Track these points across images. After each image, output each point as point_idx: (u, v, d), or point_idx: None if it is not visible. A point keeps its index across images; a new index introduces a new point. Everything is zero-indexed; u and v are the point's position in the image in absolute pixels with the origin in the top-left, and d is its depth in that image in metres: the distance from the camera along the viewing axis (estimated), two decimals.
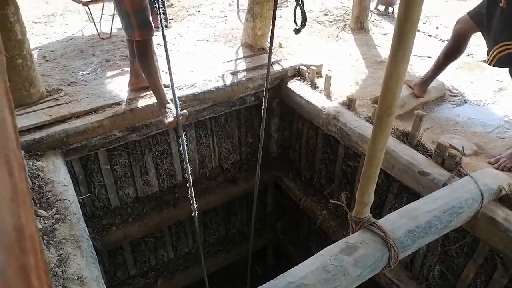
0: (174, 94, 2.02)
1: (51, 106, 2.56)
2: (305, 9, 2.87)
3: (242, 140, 3.59)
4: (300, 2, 2.82)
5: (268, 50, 3.49)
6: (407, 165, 2.26)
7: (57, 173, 2.21)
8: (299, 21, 3.03)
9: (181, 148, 2.17)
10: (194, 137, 3.24)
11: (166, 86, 2.54)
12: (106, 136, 2.61)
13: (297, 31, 3.06)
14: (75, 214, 1.96)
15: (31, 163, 2.20)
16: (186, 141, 3.18)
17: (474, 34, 2.58)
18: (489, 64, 2.25)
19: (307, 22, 3.10)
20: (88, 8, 3.54)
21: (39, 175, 2.12)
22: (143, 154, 3.01)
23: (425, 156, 2.28)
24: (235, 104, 3.14)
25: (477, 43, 3.91)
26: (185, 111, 2.35)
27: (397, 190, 2.50)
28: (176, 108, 2.11)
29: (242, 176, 3.59)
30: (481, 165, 2.27)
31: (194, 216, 2.31)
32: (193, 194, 2.25)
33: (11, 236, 0.38)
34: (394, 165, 2.33)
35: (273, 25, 2.07)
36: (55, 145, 2.38)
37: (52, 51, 3.42)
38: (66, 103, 2.61)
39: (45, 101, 2.60)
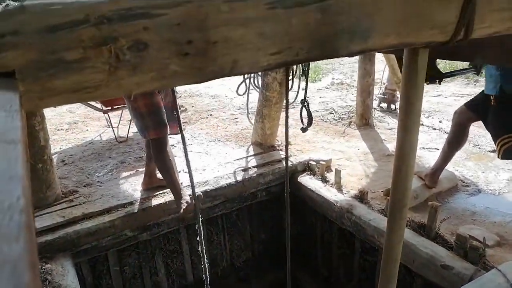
0: (191, 176, 2.06)
1: (65, 208, 2.60)
2: (310, 110, 3.06)
3: (254, 237, 3.51)
4: (305, 103, 3.02)
5: (277, 148, 3.63)
6: (428, 258, 2.16)
7: (65, 276, 2.16)
8: (305, 120, 3.20)
9: (194, 245, 2.13)
10: (205, 235, 3.19)
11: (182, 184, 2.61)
12: (117, 236, 2.59)
13: (304, 130, 3.21)
14: None
15: (40, 266, 2.15)
16: (197, 239, 3.12)
17: (473, 124, 2.68)
18: (498, 157, 2.33)
19: (313, 121, 3.27)
20: (108, 115, 3.80)
21: (47, 279, 2.06)
22: (153, 254, 2.94)
23: (446, 248, 2.19)
24: (246, 200, 3.15)
25: (482, 134, 4.02)
26: (199, 192, 2.38)
27: (420, 286, 2.35)
28: (193, 191, 2.14)
29: (256, 275, 3.43)
30: (506, 256, 2.16)
31: None
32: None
33: None
34: (414, 259, 2.23)
35: (286, 121, 2.18)
36: (66, 247, 2.36)
37: (71, 155, 3.59)
38: (80, 204, 2.65)
39: (60, 203, 2.65)
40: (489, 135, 3.66)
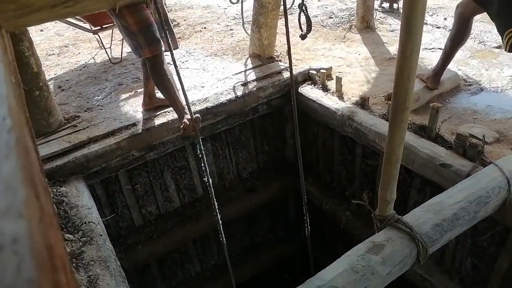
0: (186, 99, 2.02)
1: (70, 133, 2.63)
2: (309, 14, 2.89)
3: (258, 149, 3.60)
4: (303, 8, 2.84)
5: (276, 59, 3.53)
6: (427, 159, 2.22)
7: (81, 197, 2.26)
8: (304, 27, 3.05)
9: (200, 160, 2.20)
10: (211, 150, 3.27)
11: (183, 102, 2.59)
12: (125, 157, 2.66)
13: (303, 37, 3.08)
14: (101, 235, 1.99)
15: (55, 190, 2.25)
16: (204, 154, 3.21)
17: (478, 18, 2.54)
18: (505, 50, 2.23)
19: (312, 27, 3.12)
20: (98, 36, 3.63)
21: (63, 201, 2.17)
22: (162, 171, 3.04)
23: (446, 148, 2.24)
24: (248, 114, 3.16)
25: (488, 30, 3.85)
26: (198, 115, 2.38)
27: (419, 185, 2.46)
28: (190, 112, 2.14)
29: (262, 185, 3.59)
30: (504, 152, 2.21)
31: (219, 227, 2.32)
32: (216, 206, 2.26)
33: (42, 254, 0.39)
34: (414, 160, 2.30)
35: (287, 30, 2.07)
36: (77, 170, 2.44)
37: (67, 80, 3.52)
38: (84, 128, 2.68)
39: (64, 129, 2.67)
40: (495, 30, 3.51)
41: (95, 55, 4.06)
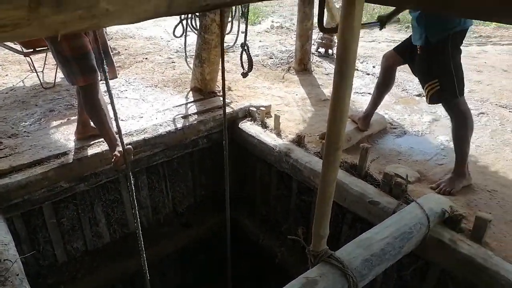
0: (119, 129, 1.92)
1: None
2: (250, 54, 3.02)
3: (196, 183, 3.55)
4: (245, 47, 2.97)
5: (217, 94, 3.58)
6: (358, 196, 2.35)
7: None
8: (245, 65, 3.17)
9: (136, 194, 2.10)
10: (146, 183, 3.16)
11: (116, 134, 2.50)
12: (52, 188, 2.48)
13: (244, 75, 3.19)
14: (17, 275, 1.80)
15: None
16: (138, 187, 3.09)
17: (401, 69, 2.83)
18: (427, 101, 2.50)
19: (253, 66, 3.25)
20: (30, 58, 3.45)
21: None
22: (92, 204, 2.87)
23: (374, 186, 2.39)
24: (187, 147, 3.14)
25: (410, 79, 4.28)
26: (129, 146, 2.30)
27: (351, 221, 2.58)
28: (122, 143, 2.04)
29: (198, 220, 3.52)
30: (424, 191, 2.41)
31: (144, 268, 2.16)
32: (142, 244, 2.10)
33: None
34: (346, 197, 2.42)
35: (223, 69, 2.13)
36: None
37: None
38: (6, 156, 2.47)
39: None
40: (416, 80, 3.91)
41: (25, 78, 3.82)
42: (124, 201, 3.05)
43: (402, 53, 2.65)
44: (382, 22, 2.23)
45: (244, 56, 3.11)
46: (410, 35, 2.57)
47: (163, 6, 0.74)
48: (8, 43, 3.43)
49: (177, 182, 3.39)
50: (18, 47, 3.36)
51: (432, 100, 2.45)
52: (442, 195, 2.34)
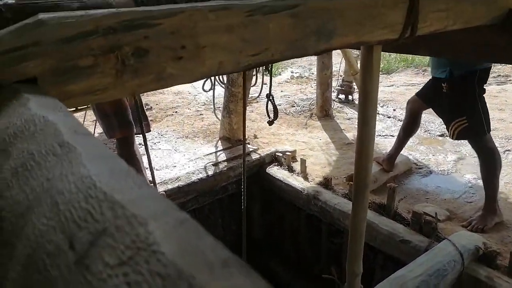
0: (153, 178, 2.09)
1: None
2: (275, 103, 3.20)
3: (226, 229, 3.63)
4: (271, 97, 3.16)
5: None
6: (388, 235, 2.37)
7: None
8: (271, 114, 3.34)
9: None
10: None
11: (150, 182, 2.66)
12: None
13: (270, 123, 3.35)
14: None
15: None
16: None
17: (424, 111, 2.92)
18: (452, 138, 2.54)
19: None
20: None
21: None
22: None
23: (404, 225, 2.42)
24: (218, 193, 3.26)
25: (432, 120, 4.35)
26: (163, 192, 2.44)
27: (383, 261, 2.57)
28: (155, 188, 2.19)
29: None
30: (455, 228, 2.42)
31: None
32: None
33: None
34: (376, 237, 2.44)
35: (244, 117, 2.29)
36: None
37: None
38: None
39: None
40: (437, 121, 3.98)
41: None
42: None
43: (425, 98, 2.73)
44: None
45: (270, 106, 3.29)
46: (430, 79, 2.69)
47: (215, 68, 0.90)
48: None
49: (208, 228, 3.45)
50: None
51: (459, 136, 2.47)
52: (474, 232, 2.34)
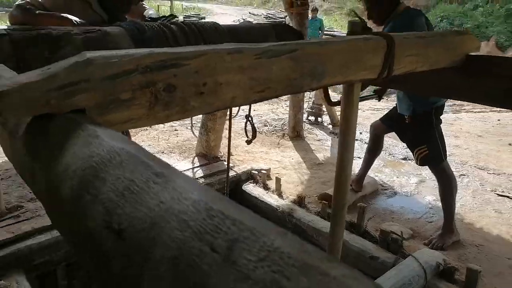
0: None
1: (13, 224, 2.55)
2: (254, 124, 3.34)
3: None
4: (250, 118, 3.31)
5: (220, 159, 3.86)
6: (358, 252, 2.55)
7: None
8: (249, 133, 3.48)
9: None
10: None
11: None
12: (68, 250, 2.61)
13: (249, 142, 3.49)
14: None
15: None
16: None
17: (388, 136, 3.19)
18: (417, 163, 2.83)
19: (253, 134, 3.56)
20: None
21: None
22: None
23: (372, 242, 2.60)
24: None
25: (395, 144, 4.65)
26: None
27: None
28: None
29: None
30: (418, 246, 2.63)
31: None
32: None
33: None
34: (347, 254, 2.60)
35: (229, 137, 2.43)
36: (18, 263, 2.34)
37: (6, 169, 3.45)
38: (28, 219, 2.62)
39: (5, 219, 2.59)
40: (400, 145, 4.27)
41: None
42: None
43: (389, 123, 3.01)
44: (379, 95, 2.58)
45: (248, 126, 3.43)
46: (394, 106, 2.95)
47: (228, 102, 1.03)
48: None
49: None
50: None
51: (422, 162, 2.76)
52: (435, 250, 2.56)
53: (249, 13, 27.35)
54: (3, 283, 2.16)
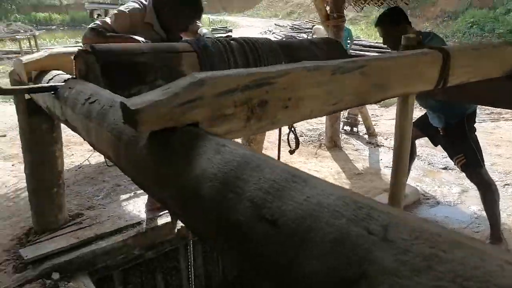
0: None
1: (76, 230, 2.74)
2: (297, 134, 3.44)
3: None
4: (293, 128, 3.41)
5: None
6: None
7: None
8: (292, 144, 3.57)
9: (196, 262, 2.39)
10: (201, 252, 3.42)
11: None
12: (127, 255, 2.77)
13: (292, 152, 3.59)
14: None
15: (63, 285, 2.30)
16: (194, 256, 3.34)
17: (426, 146, 3.23)
18: (460, 170, 2.87)
19: (290, 143, 3.65)
20: None
21: None
22: (154, 271, 3.12)
23: None
24: None
25: (433, 154, 4.63)
26: None
27: None
28: None
29: (246, 286, 3.69)
30: None
31: None
32: None
33: None
34: None
35: (279, 148, 2.53)
36: (83, 266, 2.52)
37: (65, 179, 3.68)
38: (89, 225, 2.81)
39: (69, 225, 2.79)
40: (439, 155, 4.26)
41: (89, 157, 4.30)
42: (181, 268, 3.29)
43: (422, 128, 3.04)
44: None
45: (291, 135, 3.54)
46: (425, 113, 2.99)
47: (307, 114, 1.14)
48: None
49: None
50: None
51: (464, 168, 2.80)
52: None
53: (275, 24, 27.68)
54: (72, 285, 2.33)
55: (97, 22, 2.12)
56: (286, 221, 0.55)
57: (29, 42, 14.94)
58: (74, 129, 1.46)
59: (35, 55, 1.88)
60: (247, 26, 27.23)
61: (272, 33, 23.05)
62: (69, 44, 18.59)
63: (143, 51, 1.70)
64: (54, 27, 29.68)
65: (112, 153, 1.09)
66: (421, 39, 1.55)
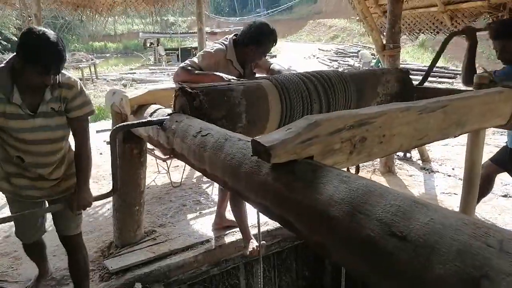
0: (258, 225, 2.50)
1: (152, 245, 3.00)
2: None
3: (299, 274, 3.88)
4: None
5: None
6: None
7: None
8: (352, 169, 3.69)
9: (250, 281, 2.54)
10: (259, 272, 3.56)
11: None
12: (195, 270, 2.97)
13: None
14: None
15: None
16: (252, 275, 3.50)
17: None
18: None
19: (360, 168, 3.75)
20: (166, 162, 4.26)
21: None
22: (217, 287, 3.30)
23: None
24: (297, 238, 3.57)
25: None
26: (264, 242, 2.79)
27: None
28: (259, 239, 2.57)
29: None
30: None
31: None
32: None
33: None
34: None
35: None
36: (160, 278, 2.75)
37: None
38: (163, 241, 3.06)
39: (145, 241, 3.05)
40: (498, 181, 4.17)
41: (155, 178, 4.63)
42: (240, 286, 3.44)
43: (501, 163, 3.03)
44: None
45: None
46: (503, 146, 2.99)
47: (397, 148, 1.30)
48: (156, 152, 4.29)
49: (284, 272, 3.75)
50: (160, 154, 4.20)
51: None
52: None
53: (318, 49, 27.97)
54: None
55: (187, 61, 2.43)
56: (415, 236, 0.71)
57: (89, 70, 16.16)
58: (180, 156, 1.69)
59: (138, 92, 2.18)
60: (290, 51, 27.69)
61: (316, 58, 23.30)
62: (123, 70, 19.90)
63: (232, 89, 1.93)
64: (108, 54, 31.82)
65: (229, 178, 1.29)
66: (493, 78, 1.66)
